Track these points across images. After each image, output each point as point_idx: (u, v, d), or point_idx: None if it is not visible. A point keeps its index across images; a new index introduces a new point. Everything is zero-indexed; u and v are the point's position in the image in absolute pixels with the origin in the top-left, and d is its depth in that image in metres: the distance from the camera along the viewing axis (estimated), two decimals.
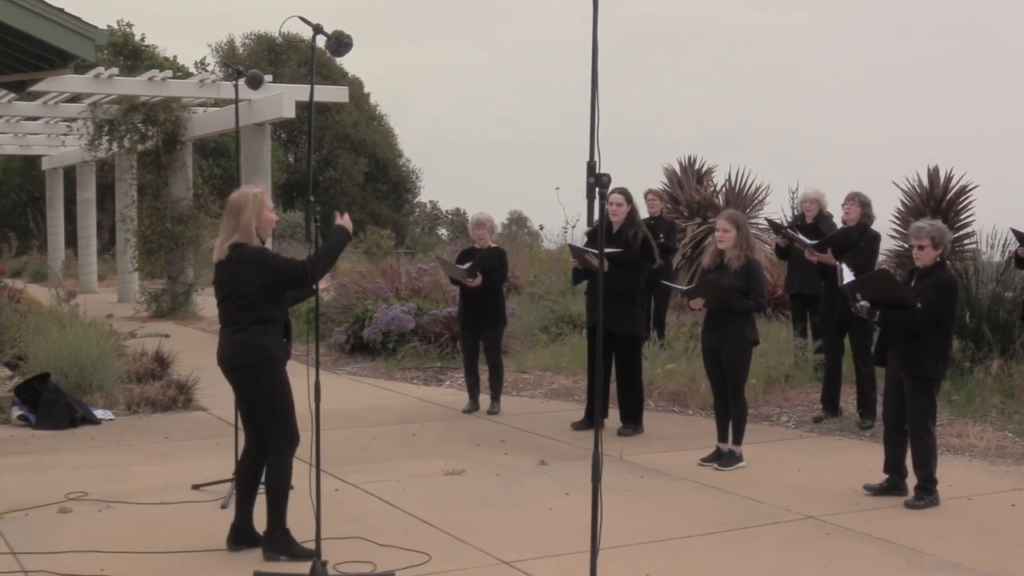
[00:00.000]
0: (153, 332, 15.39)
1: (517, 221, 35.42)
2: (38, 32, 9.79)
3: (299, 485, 6.65)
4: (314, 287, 6.12)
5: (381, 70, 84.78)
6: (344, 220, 6.28)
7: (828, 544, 6.55)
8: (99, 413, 10.25)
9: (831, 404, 10.11)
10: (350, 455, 8.70)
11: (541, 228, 23.56)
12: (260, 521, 6.25)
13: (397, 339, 13.80)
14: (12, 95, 18.28)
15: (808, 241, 9.86)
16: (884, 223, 9.88)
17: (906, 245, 8.56)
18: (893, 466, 7.58)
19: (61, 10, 9.95)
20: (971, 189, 14.75)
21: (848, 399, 10.20)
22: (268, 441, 6.18)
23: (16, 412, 10.06)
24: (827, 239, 9.77)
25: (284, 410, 6.13)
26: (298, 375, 6.09)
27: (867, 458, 8.23)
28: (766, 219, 13.60)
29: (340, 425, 9.71)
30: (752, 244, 8.61)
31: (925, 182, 14.88)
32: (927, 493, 7.35)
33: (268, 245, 6.24)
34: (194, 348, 14.33)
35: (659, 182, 17.43)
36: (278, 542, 6.15)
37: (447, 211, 48.28)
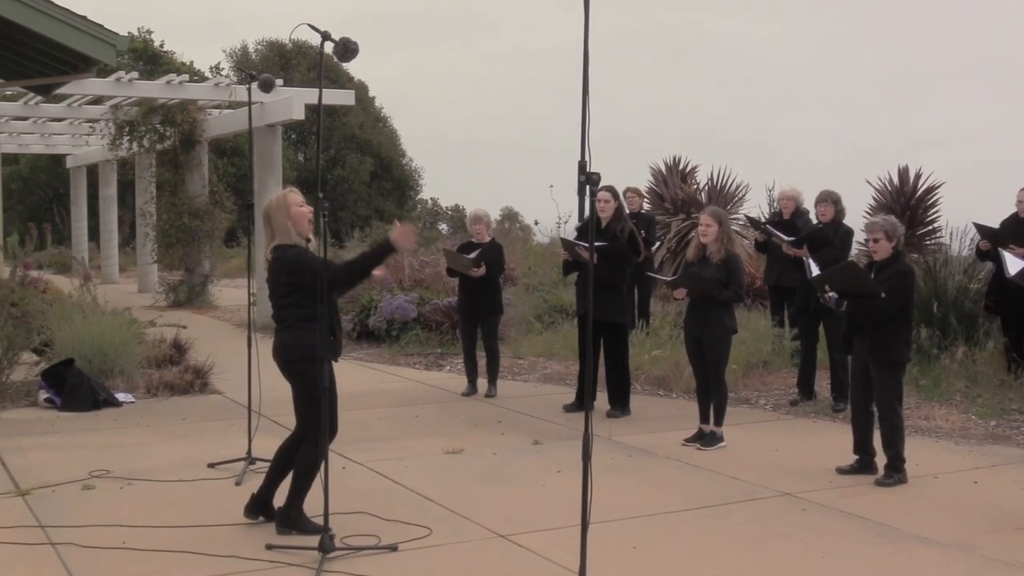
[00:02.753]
0: (171, 321, 15.31)
1: (510, 217, 35.39)
2: (63, 38, 9.79)
3: None
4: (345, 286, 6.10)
5: (385, 75, 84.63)
6: (400, 235, 5.99)
7: (803, 519, 6.57)
8: (121, 396, 10.26)
9: (806, 388, 10.13)
10: (356, 435, 8.70)
11: (536, 223, 23.54)
12: (280, 498, 6.26)
13: (401, 327, 13.81)
14: (39, 97, 18.25)
15: (785, 238, 9.88)
16: (856, 220, 9.87)
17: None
18: (862, 446, 7.60)
19: (84, 17, 9.93)
20: (938, 187, 14.79)
21: (822, 383, 10.22)
22: (307, 430, 6.15)
23: (43, 395, 10.06)
24: (803, 236, 9.79)
25: (317, 405, 6.06)
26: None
27: (840, 439, 8.25)
28: (746, 216, 13.64)
29: (347, 407, 9.64)
30: (732, 239, 8.63)
31: (895, 180, 14.91)
32: (896, 471, 7.37)
33: (312, 239, 6.19)
34: (210, 336, 14.35)
35: (646, 181, 17.48)
36: (292, 519, 6.14)
37: (447, 207, 48.22)
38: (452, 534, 6.19)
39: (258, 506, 6.33)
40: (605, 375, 9.74)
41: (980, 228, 10.36)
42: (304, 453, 6.14)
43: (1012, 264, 6.83)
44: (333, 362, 6.10)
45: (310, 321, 5.98)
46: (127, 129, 19.62)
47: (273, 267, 6.13)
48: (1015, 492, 7.17)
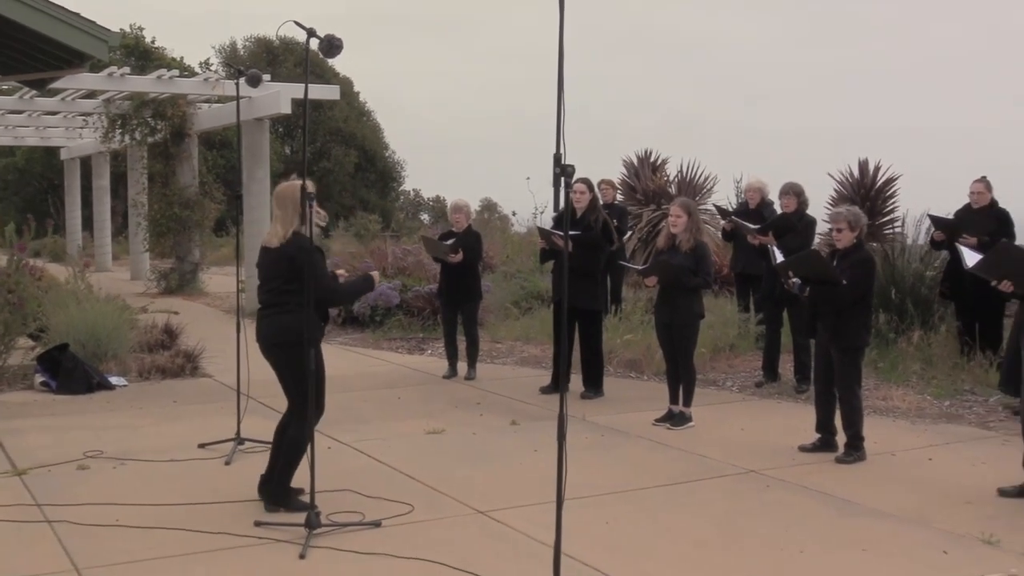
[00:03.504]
0: (163, 307, 15.27)
1: (489, 207, 35.31)
2: (57, 34, 9.70)
3: None
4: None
5: (369, 70, 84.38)
6: (375, 275, 6.49)
7: (768, 495, 6.60)
8: (114, 380, 10.21)
9: (771, 371, 10.17)
10: (342, 416, 8.69)
11: (514, 214, 23.50)
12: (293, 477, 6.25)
13: (384, 313, 13.80)
14: (34, 92, 18.07)
15: (751, 226, 9.91)
16: (818, 211, 9.93)
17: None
18: (824, 426, 7.64)
19: (78, 14, 9.85)
20: (896, 179, 14.85)
21: (786, 366, 10.26)
22: (295, 411, 6.13)
23: (39, 379, 10.01)
24: (768, 223, 9.83)
25: (318, 385, 6.05)
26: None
27: (803, 418, 8.29)
28: (715, 206, 13.64)
29: (333, 390, 9.62)
30: (701, 228, 8.64)
31: (856, 173, 14.96)
32: (855, 449, 7.42)
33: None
34: (200, 321, 14.30)
35: (618, 173, 17.47)
36: (280, 496, 6.14)
37: (428, 198, 48.07)
38: (433, 511, 6.20)
39: (265, 485, 6.30)
40: (580, 358, 9.76)
41: (935, 220, 10.41)
42: (293, 432, 6.13)
43: (969, 257, 6.89)
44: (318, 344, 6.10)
45: (303, 307, 5.96)
46: (119, 122, 19.49)
47: (287, 251, 5.99)
48: (967, 468, 7.23)
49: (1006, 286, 6.28)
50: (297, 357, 5.95)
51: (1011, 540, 5.68)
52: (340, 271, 6.47)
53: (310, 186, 6.09)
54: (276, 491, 6.15)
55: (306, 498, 5.82)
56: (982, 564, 5.34)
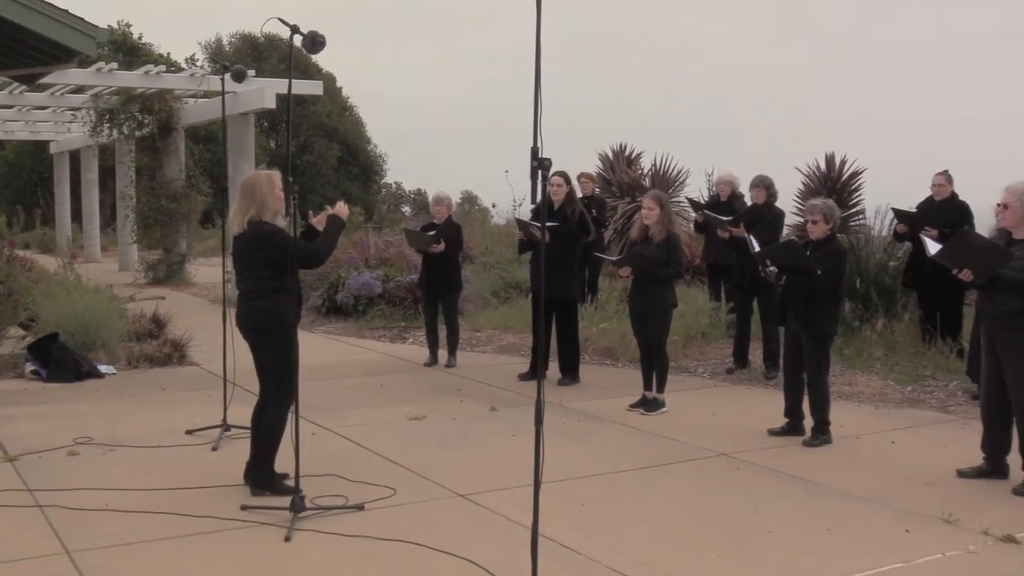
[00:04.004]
0: (150, 296, 15.19)
1: (469, 200, 35.27)
2: (46, 31, 9.63)
3: None
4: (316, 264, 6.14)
5: (352, 66, 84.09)
6: (339, 208, 6.26)
7: (738, 477, 6.64)
8: (103, 368, 10.16)
9: (741, 358, 10.21)
10: (325, 403, 8.68)
11: (493, 206, 23.42)
12: (278, 461, 6.23)
13: (367, 302, 13.77)
14: (23, 87, 17.95)
15: (723, 218, 9.95)
16: (787, 202, 10.00)
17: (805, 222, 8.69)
18: (792, 410, 7.68)
19: (66, 11, 9.78)
20: (861, 172, 14.92)
21: (755, 353, 10.31)
22: (271, 394, 6.13)
23: (29, 367, 9.95)
24: (739, 215, 9.88)
25: (288, 370, 6.07)
26: None
27: (772, 404, 8.33)
28: (687, 198, 13.66)
29: (317, 377, 9.67)
30: (673, 220, 8.66)
31: (823, 167, 15.02)
32: (821, 433, 7.46)
33: (280, 221, 6.14)
34: (187, 311, 14.23)
35: (594, 166, 17.47)
36: (264, 479, 6.13)
37: (410, 191, 47.94)
38: (415, 494, 6.20)
39: (252, 470, 6.28)
40: (556, 346, 9.77)
41: (898, 213, 10.46)
42: (270, 415, 6.13)
43: (932, 247, 6.96)
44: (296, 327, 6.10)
45: (278, 292, 5.99)
46: (107, 117, 19.35)
47: (247, 240, 6.04)
48: (928, 450, 7.28)
49: (966, 275, 6.31)
50: (273, 340, 6.01)
51: (969, 519, 5.73)
52: (314, 219, 6.37)
53: (276, 176, 6.16)
54: (260, 475, 6.14)
55: (291, 482, 5.82)
56: (942, 542, 5.39)
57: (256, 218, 6.02)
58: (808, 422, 7.57)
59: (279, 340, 6.02)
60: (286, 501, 5.69)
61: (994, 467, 6.58)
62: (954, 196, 9.96)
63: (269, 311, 6.01)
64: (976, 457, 6.69)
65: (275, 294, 6.01)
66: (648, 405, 8.50)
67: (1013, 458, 6.51)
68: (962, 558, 5.19)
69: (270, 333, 6.03)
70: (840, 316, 8.11)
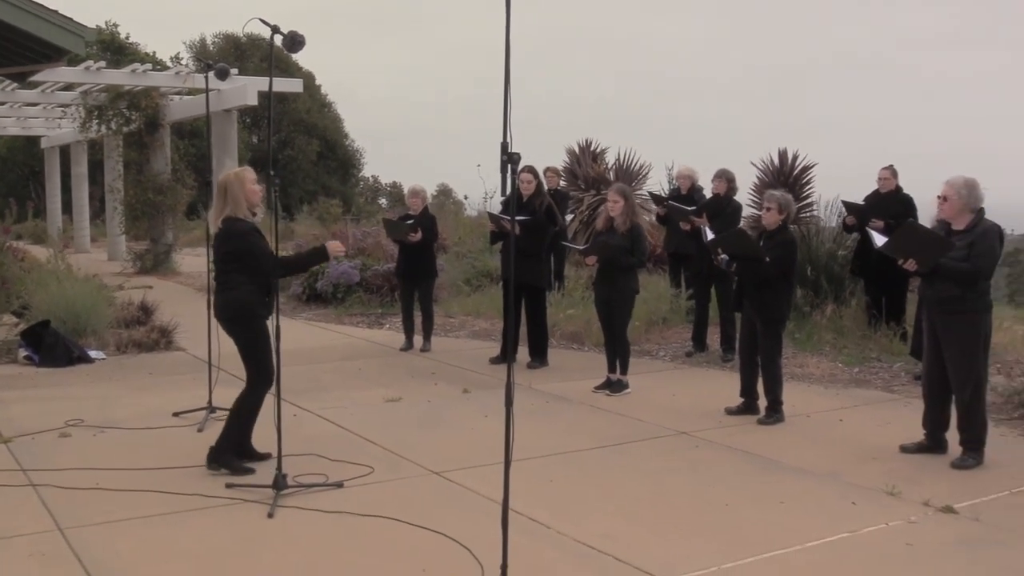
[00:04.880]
0: (138, 285, 15.07)
1: (444, 192, 35.15)
2: (36, 30, 9.51)
3: (264, 411, 6.60)
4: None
5: (330, 65, 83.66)
6: (331, 246, 6.20)
7: (696, 454, 6.68)
8: (93, 353, 10.07)
9: (699, 342, 10.26)
10: (306, 386, 8.65)
11: (466, 198, 23.36)
12: (259, 441, 6.21)
13: (345, 290, 13.72)
14: (15, 84, 17.71)
15: (688, 208, 9.99)
16: (743, 196, 10.04)
17: (761, 212, 8.75)
18: (747, 391, 7.73)
19: (56, 11, 9.66)
20: (812, 168, 14.98)
21: (713, 338, 10.36)
22: (247, 378, 6.12)
23: (22, 353, 9.86)
24: (702, 205, 9.95)
25: (262, 355, 6.05)
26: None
27: (728, 385, 8.38)
28: (650, 194, 13.68)
29: (298, 362, 9.63)
30: (637, 212, 8.68)
31: (776, 161, 15.08)
32: (775, 412, 7.52)
33: (249, 216, 6.09)
34: (174, 299, 14.12)
35: (561, 161, 17.46)
36: (223, 456, 6.10)
37: (386, 184, 47.71)
38: (392, 472, 6.20)
39: (243, 455, 6.24)
40: (526, 331, 9.78)
41: (847, 205, 10.52)
42: (243, 396, 6.12)
43: (878, 239, 7.01)
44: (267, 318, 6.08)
45: (250, 284, 5.99)
46: (96, 113, 19.13)
47: (222, 236, 6.05)
48: (874, 428, 7.35)
49: (911, 265, 6.37)
50: (245, 329, 6.02)
51: (911, 491, 5.80)
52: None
53: (247, 172, 6.15)
54: (216, 451, 6.11)
55: (274, 462, 5.79)
56: (886, 513, 5.45)
57: (231, 215, 6.01)
58: (762, 402, 7.62)
59: (251, 330, 6.03)
60: (269, 479, 5.67)
61: (934, 443, 6.65)
62: (899, 189, 10.03)
63: (241, 302, 6.01)
64: (918, 433, 6.76)
65: (247, 286, 6.00)
66: (612, 387, 8.52)
67: (951, 434, 6.58)
68: (904, 527, 5.25)
69: (242, 323, 6.04)
70: (792, 302, 8.16)
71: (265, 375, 6.07)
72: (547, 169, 12.78)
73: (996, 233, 6.32)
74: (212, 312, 6.21)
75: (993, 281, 6.60)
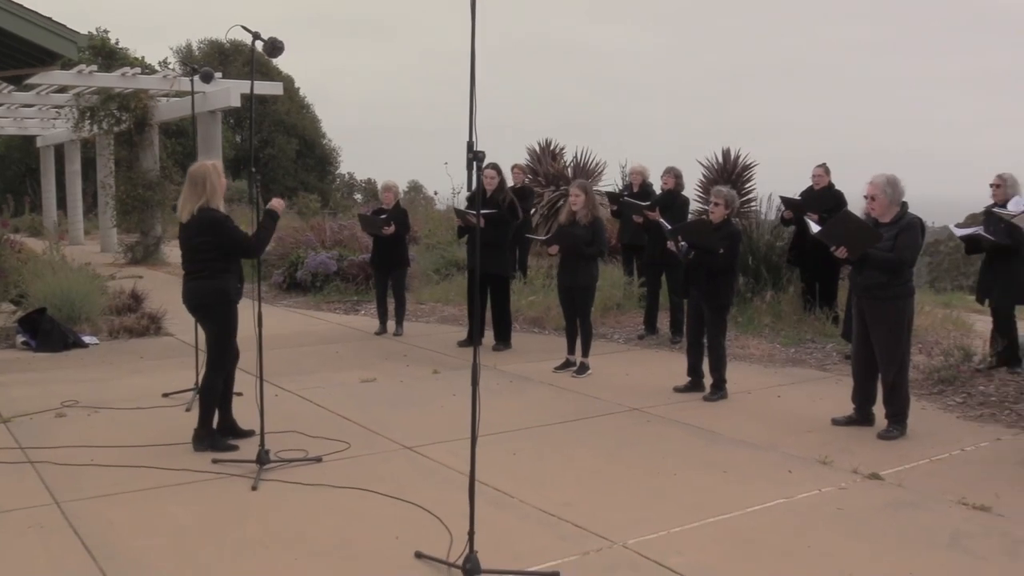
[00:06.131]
0: (129, 275, 14.91)
1: (415, 188, 34.99)
2: (32, 36, 9.35)
3: (247, 392, 6.58)
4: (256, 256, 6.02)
5: (309, 69, 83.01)
6: (275, 203, 6.09)
7: (648, 428, 6.72)
8: (87, 339, 9.96)
9: (651, 325, 10.31)
10: (287, 368, 8.60)
11: (435, 193, 23.27)
12: (243, 419, 6.17)
13: (323, 279, 13.65)
14: (11, 87, 17.41)
15: (643, 204, 10.03)
16: (690, 191, 10.10)
17: (707, 207, 8.81)
18: (694, 370, 7.79)
19: (50, 19, 9.50)
20: (753, 166, 15.11)
21: (663, 322, 10.42)
22: (209, 362, 6.04)
23: (20, 339, 9.73)
24: (656, 199, 10.01)
25: (226, 340, 6.00)
26: (246, 308, 5.98)
27: (676, 365, 8.44)
28: (606, 193, 13.75)
29: (279, 346, 9.58)
30: (596, 206, 8.69)
31: (720, 160, 15.19)
32: (719, 389, 7.58)
33: (221, 207, 6.02)
34: (162, 288, 13.96)
35: (523, 158, 17.47)
36: (205, 438, 6.05)
37: (361, 180, 47.41)
38: (367, 447, 6.18)
39: (224, 430, 6.20)
40: (491, 317, 9.78)
41: (784, 200, 10.61)
42: (205, 380, 6.06)
43: (813, 227, 7.10)
44: (237, 304, 6.05)
45: (220, 272, 5.91)
46: (88, 114, 18.86)
47: (198, 225, 5.92)
48: (808, 403, 7.44)
49: (842, 252, 6.44)
50: (216, 315, 5.95)
51: (842, 460, 5.87)
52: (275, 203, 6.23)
53: (220, 164, 6.11)
54: (197, 434, 6.06)
55: (257, 438, 5.76)
56: (819, 480, 5.52)
57: (206, 205, 5.93)
58: (708, 380, 7.68)
59: (222, 315, 5.96)
60: (253, 454, 5.64)
61: (862, 416, 6.74)
62: (831, 185, 10.12)
63: (214, 289, 5.93)
64: (848, 408, 6.85)
65: (221, 274, 5.93)
66: (578, 368, 8.52)
67: (878, 408, 6.68)
68: (835, 493, 5.32)
69: (214, 309, 5.96)
70: (735, 289, 8.22)
71: (230, 357, 6.02)
72: (514, 166, 12.78)
73: (918, 226, 6.40)
74: (182, 300, 6.08)
75: (915, 269, 6.69)
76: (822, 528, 4.79)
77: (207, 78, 7.85)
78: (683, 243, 7.63)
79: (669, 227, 8.13)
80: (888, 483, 5.50)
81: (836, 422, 6.77)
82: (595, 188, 15.96)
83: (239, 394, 6.46)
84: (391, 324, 10.74)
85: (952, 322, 10.67)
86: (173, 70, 27.07)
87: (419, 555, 4.37)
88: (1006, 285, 8.15)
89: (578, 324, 8.58)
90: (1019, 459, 5.97)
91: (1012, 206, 8.02)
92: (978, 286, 8.56)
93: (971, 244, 8.38)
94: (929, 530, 4.77)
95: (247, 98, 16.59)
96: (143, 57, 37.58)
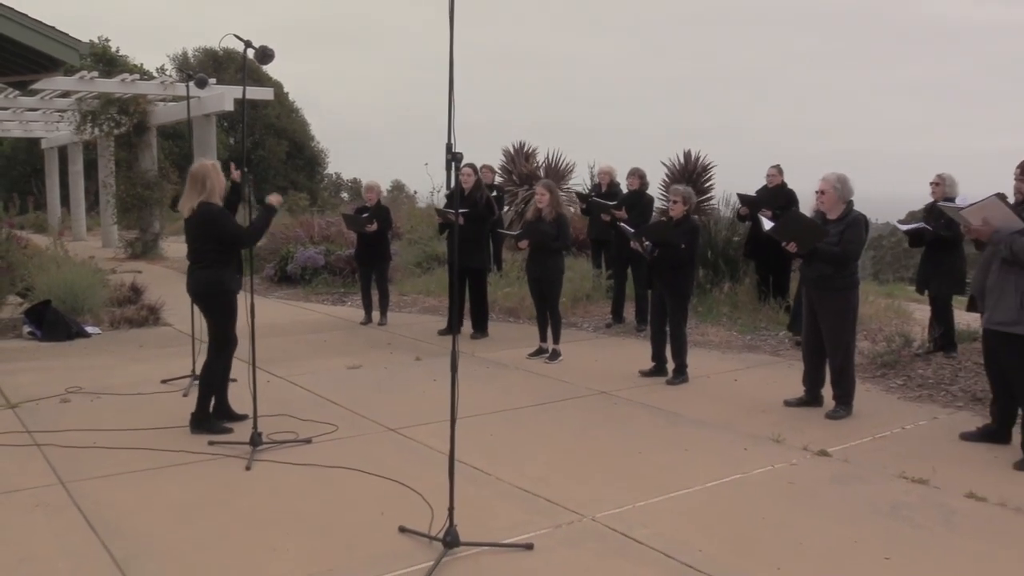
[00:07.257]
0: (129, 269, 14.76)
1: (397, 187, 34.87)
2: (36, 44, 9.23)
3: (241, 378, 6.54)
4: (249, 246, 5.95)
5: (298, 75, 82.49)
6: (272, 199, 6.06)
7: (615, 410, 6.74)
8: (90, 329, 9.85)
9: (617, 315, 10.34)
10: (278, 356, 8.56)
11: (416, 192, 23.25)
12: (237, 403, 6.13)
13: (312, 272, 13.58)
14: (17, 92, 17.21)
15: (610, 203, 10.04)
16: (654, 190, 10.12)
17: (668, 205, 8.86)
18: (657, 356, 7.81)
19: (53, 27, 9.38)
20: (712, 166, 15.14)
21: (629, 311, 10.44)
22: (211, 348, 6.01)
23: (26, 329, 9.62)
24: (622, 199, 10.04)
25: (226, 328, 5.97)
26: (241, 300, 5.94)
27: (641, 351, 8.46)
28: (576, 193, 13.74)
29: (271, 335, 9.52)
30: (561, 203, 8.67)
31: (681, 160, 15.22)
32: (680, 374, 7.61)
33: (219, 202, 5.98)
34: (161, 281, 13.86)
35: (498, 159, 17.42)
36: (203, 422, 6.01)
37: (348, 180, 47.14)
38: (354, 429, 6.16)
39: (219, 414, 6.16)
40: (469, 307, 9.77)
41: (741, 197, 10.65)
42: (205, 364, 6.02)
43: (766, 224, 7.15)
44: (237, 293, 6.00)
45: (223, 262, 5.88)
46: (90, 117, 18.66)
47: (199, 218, 5.88)
48: (763, 386, 7.48)
49: (792, 247, 6.48)
50: (216, 303, 5.91)
51: (793, 439, 5.92)
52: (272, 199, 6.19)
53: (219, 164, 6.06)
54: (196, 418, 6.02)
55: (251, 422, 5.72)
56: (772, 457, 5.56)
57: (207, 200, 5.89)
58: (670, 365, 7.71)
59: (221, 303, 5.93)
60: (247, 437, 5.61)
61: (812, 397, 6.80)
62: (784, 184, 10.18)
63: (213, 279, 5.90)
64: (799, 390, 6.90)
65: (219, 264, 5.89)
66: (551, 355, 8.53)
67: (827, 390, 6.73)
68: (787, 468, 5.36)
69: (215, 298, 5.92)
70: (696, 280, 8.26)
71: (230, 342, 5.99)
72: (483, 166, 12.75)
73: (863, 222, 6.45)
74: (186, 289, 6.06)
75: (860, 262, 6.75)
76: (775, 501, 4.83)
77: (202, 84, 7.78)
78: (648, 243, 7.65)
79: (632, 230, 8.13)
80: (835, 459, 5.55)
81: (788, 403, 6.82)
82: (565, 187, 16.05)
83: (234, 380, 6.42)
84: (376, 314, 10.71)
85: (894, 311, 10.78)
86: (170, 76, 26.81)
87: (403, 529, 4.36)
88: (944, 276, 8.24)
89: (548, 313, 8.59)
90: (954, 436, 6.05)
91: (959, 201, 8.12)
92: (918, 277, 8.65)
93: (915, 238, 8.49)
94: (872, 502, 4.82)
95: (240, 102, 16.46)
96: (142, 64, 37.15)
